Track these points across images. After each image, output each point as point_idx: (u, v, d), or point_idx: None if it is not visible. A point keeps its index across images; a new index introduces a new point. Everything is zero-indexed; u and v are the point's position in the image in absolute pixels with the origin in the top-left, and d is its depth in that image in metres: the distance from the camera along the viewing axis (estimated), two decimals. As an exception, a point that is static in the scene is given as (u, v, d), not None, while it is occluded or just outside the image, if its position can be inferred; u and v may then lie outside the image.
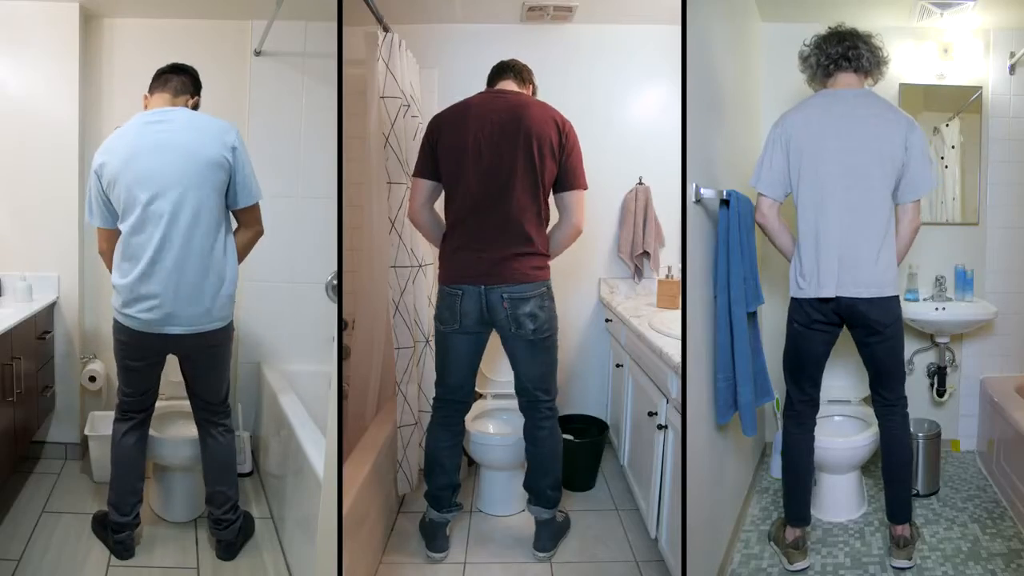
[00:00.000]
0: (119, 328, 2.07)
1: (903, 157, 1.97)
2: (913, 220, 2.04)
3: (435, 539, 2.28)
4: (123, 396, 2.18)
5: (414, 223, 2.28)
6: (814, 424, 2.19)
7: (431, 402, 2.36)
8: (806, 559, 2.14)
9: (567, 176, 2.16)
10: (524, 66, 2.33)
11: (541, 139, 2.10)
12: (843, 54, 2.02)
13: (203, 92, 2.21)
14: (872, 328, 2.02)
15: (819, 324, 2.06)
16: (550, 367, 2.26)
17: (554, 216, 2.22)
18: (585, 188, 2.18)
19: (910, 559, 2.11)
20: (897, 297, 2.04)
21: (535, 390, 2.24)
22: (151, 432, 2.27)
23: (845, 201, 1.97)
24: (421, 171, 2.21)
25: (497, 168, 2.10)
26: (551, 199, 2.20)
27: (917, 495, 2.58)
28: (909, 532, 2.13)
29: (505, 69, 2.30)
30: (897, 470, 2.14)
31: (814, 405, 2.18)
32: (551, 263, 2.23)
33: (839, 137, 1.98)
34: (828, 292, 1.98)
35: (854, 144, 1.97)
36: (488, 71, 2.36)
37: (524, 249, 2.12)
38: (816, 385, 2.16)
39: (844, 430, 2.54)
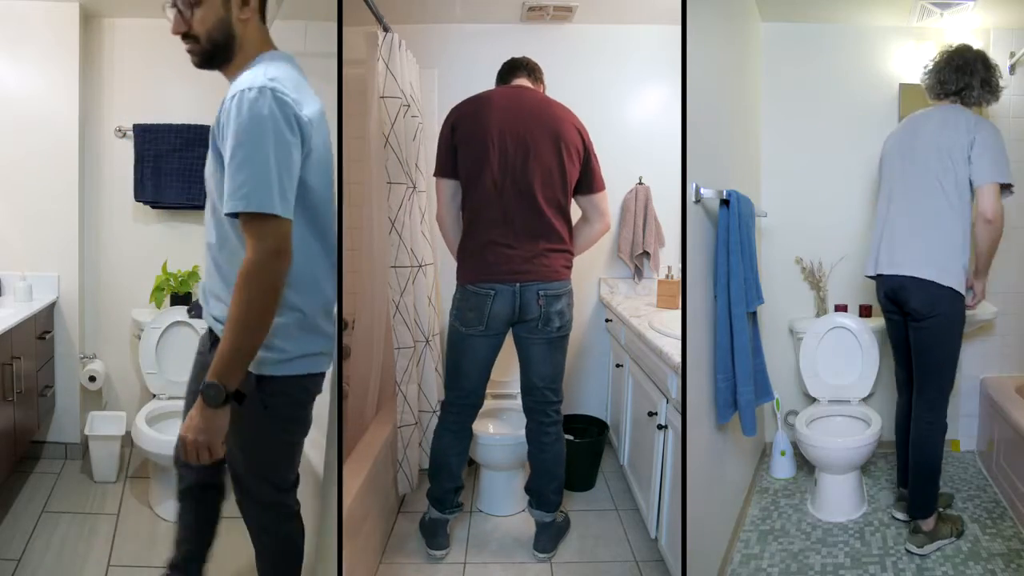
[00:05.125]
0: None
1: (963, 154, 2.06)
2: (981, 204, 2.05)
3: (436, 537, 2.28)
4: None
5: (441, 224, 2.24)
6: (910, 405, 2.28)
7: (433, 403, 2.35)
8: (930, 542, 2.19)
9: (593, 178, 2.20)
10: (536, 64, 2.32)
11: (568, 141, 2.12)
12: (956, 91, 2.18)
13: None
14: (912, 315, 2.12)
15: (887, 312, 2.28)
16: (561, 367, 2.25)
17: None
18: (605, 188, 2.24)
19: (920, 547, 2.16)
20: (949, 291, 2.06)
21: (545, 389, 2.22)
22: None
23: (900, 191, 2.18)
24: (442, 170, 2.16)
25: (524, 161, 2.07)
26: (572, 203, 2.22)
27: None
28: (932, 526, 2.19)
29: (518, 66, 2.28)
30: (915, 471, 2.18)
31: (906, 383, 2.32)
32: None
33: (903, 141, 2.22)
34: (869, 271, 2.24)
35: (915, 142, 2.17)
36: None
37: (556, 245, 2.13)
38: (903, 367, 2.32)
39: (844, 430, 2.54)
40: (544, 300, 2.10)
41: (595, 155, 2.21)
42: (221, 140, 1.31)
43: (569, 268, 2.19)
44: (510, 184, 2.08)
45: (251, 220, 1.26)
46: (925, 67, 2.26)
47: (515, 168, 2.08)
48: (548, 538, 2.30)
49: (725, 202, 1.91)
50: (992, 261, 2.11)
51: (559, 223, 2.13)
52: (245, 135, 1.26)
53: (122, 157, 2.92)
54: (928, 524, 2.18)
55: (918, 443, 2.17)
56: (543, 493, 2.27)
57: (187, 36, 1.41)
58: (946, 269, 2.06)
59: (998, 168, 2.03)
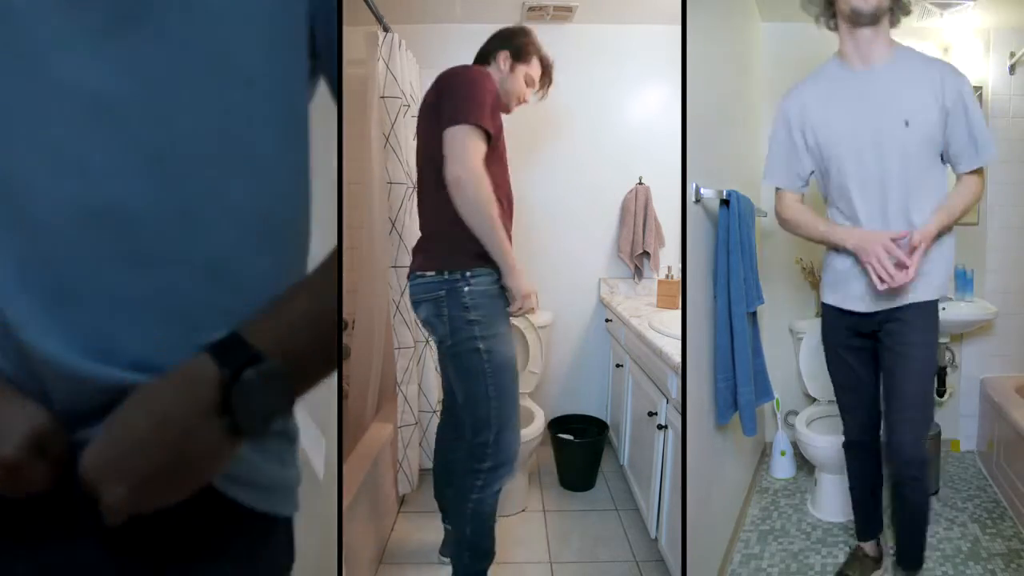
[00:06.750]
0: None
1: None
2: None
3: (444, 543, 2.26)
4: None
5: None
6: None
7: (433, 403, 2.34)
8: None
9: (442, 114, 1.66)
10: None
11: (432, 102, 1.79)
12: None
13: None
14: None
15: None
16: (477, 395, 1.71)
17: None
18: (468, 123, 1.65)
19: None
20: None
21: (464, 419, 1.79)
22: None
23: None
24: None
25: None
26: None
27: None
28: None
29: None
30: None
31: None
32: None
33: None
34: None
35: None
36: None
37: (427, 231, 1.80)
38: None
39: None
40: (413, 304, 1.78)
41: (457, 88, 1.69)
42: None
43: (437, 259, 1.70)
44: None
45: None
46: None
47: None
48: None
49: (725, 202, 1.91)
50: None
51: (439, 196, 1.68)
52: None
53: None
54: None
55: None
56: (460, 568, 1.86)
57: None
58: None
59: None
